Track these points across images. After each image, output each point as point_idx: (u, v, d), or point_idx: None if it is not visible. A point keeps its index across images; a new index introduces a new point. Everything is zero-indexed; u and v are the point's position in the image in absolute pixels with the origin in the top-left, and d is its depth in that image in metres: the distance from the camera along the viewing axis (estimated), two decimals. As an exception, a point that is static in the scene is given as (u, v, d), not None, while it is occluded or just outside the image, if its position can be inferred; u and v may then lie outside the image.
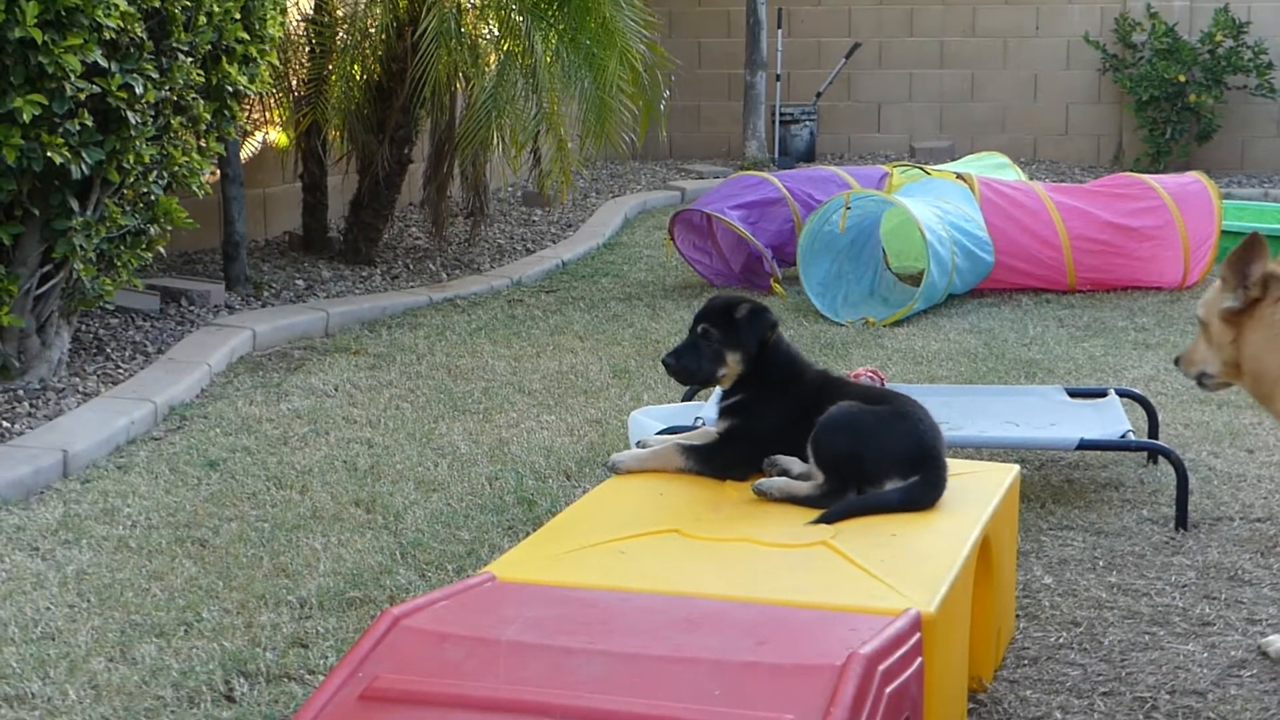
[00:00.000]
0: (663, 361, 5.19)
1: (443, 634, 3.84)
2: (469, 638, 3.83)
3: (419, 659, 3.76)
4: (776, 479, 4.85)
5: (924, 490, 4.81)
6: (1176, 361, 5.31)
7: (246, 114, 10.71)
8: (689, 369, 5.15)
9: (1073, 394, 7.53)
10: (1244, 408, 8.14)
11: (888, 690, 3.62)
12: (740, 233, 11.60)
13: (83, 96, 7.27)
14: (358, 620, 5.28)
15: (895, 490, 4.78)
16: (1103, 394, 7.46)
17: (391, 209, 12.33)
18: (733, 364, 5.07)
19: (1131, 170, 14.71)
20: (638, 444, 5.43)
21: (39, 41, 6.92)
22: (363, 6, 11.67)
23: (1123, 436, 6.79)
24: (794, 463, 4.92)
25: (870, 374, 7.56)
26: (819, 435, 4.85)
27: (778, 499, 4.80)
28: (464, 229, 13.08)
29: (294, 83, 11.60)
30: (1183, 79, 18.03)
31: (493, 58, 11.71)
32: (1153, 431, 7.34)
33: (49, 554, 5.96)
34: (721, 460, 5.08)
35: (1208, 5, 18.51)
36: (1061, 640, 5.28)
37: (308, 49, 11.61)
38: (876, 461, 4.80)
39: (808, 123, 19.09)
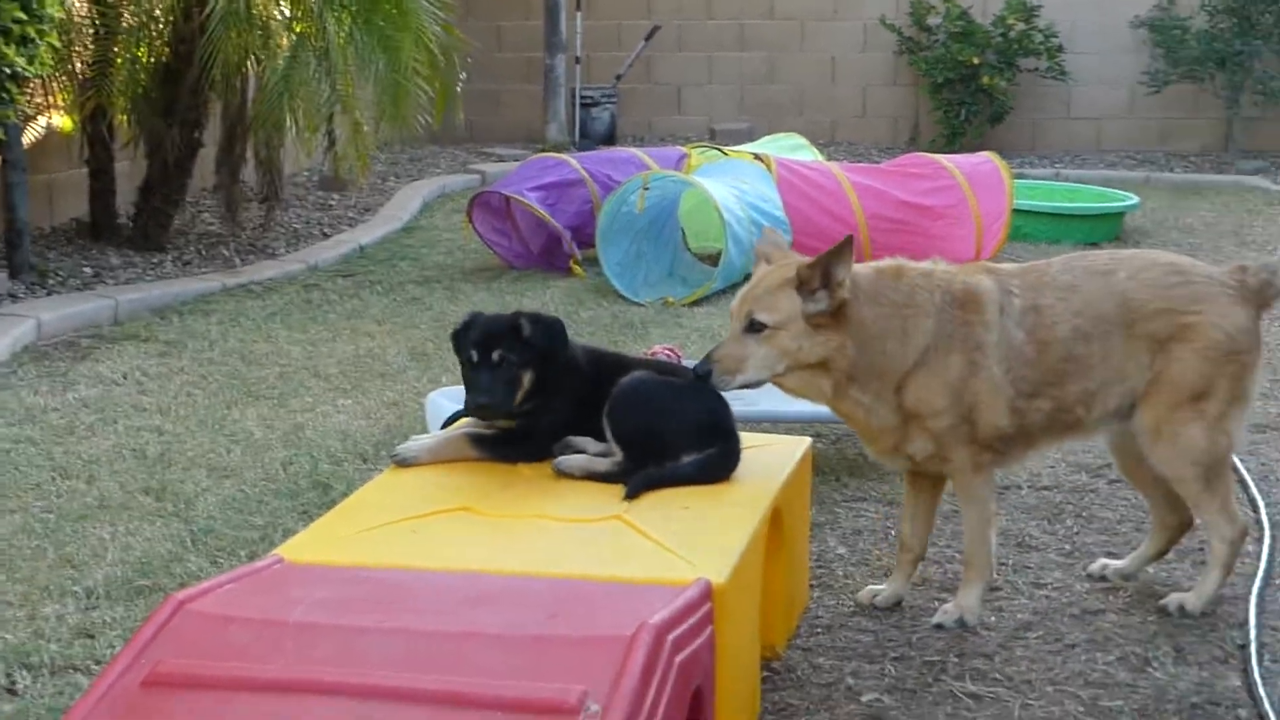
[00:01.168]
0: (477, 405, 4.96)
1: (228, 617, 3.80)
2: (256, 620, 3.79)
3: (204, 643, 3.71)
4: (576, 458, 4.85)
5: (720, 461, 4.87)
6: (705, 374, 4.88)
7: (28, 97, 10.45)
8: (503, 403, 4.93)
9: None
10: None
11: (678, 659, 3.65)
12: (539, 214, 11.60)
13: None
14: (146, 609, 5.19)
15: (692, 462, 4.82)
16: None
17: (183, 194, 12.14)
18: (527, 383, 4.92)
19: (927, 151, 14.92)
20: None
21: None
22: (149, -15, 11.45)
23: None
24: (588, 442, 4.93)
25: (668, 352, 7.60)
26: (615, 409, 4.89)
27: (579, 477, 4.81)
28: (258, 214, 12.90)
29: (78, 65, 11.32)
30: (976, 61, 18.37)
31: (284, 39, 11.56)
32: (945, 404, 7.46)
33: None
34: (515, 451, 4.99)
35: (999, -11, 18.90)
36: (854, 608, 5.37)
37: (92, 30, 11.34)
38: (674, 433, 4.84)
39: (608, 105, 19.10)
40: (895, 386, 5.00)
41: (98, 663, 4.78)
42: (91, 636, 5.01)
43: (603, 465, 4.82)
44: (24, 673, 4.75)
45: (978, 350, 5.03)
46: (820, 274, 4.81)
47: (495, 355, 4.89)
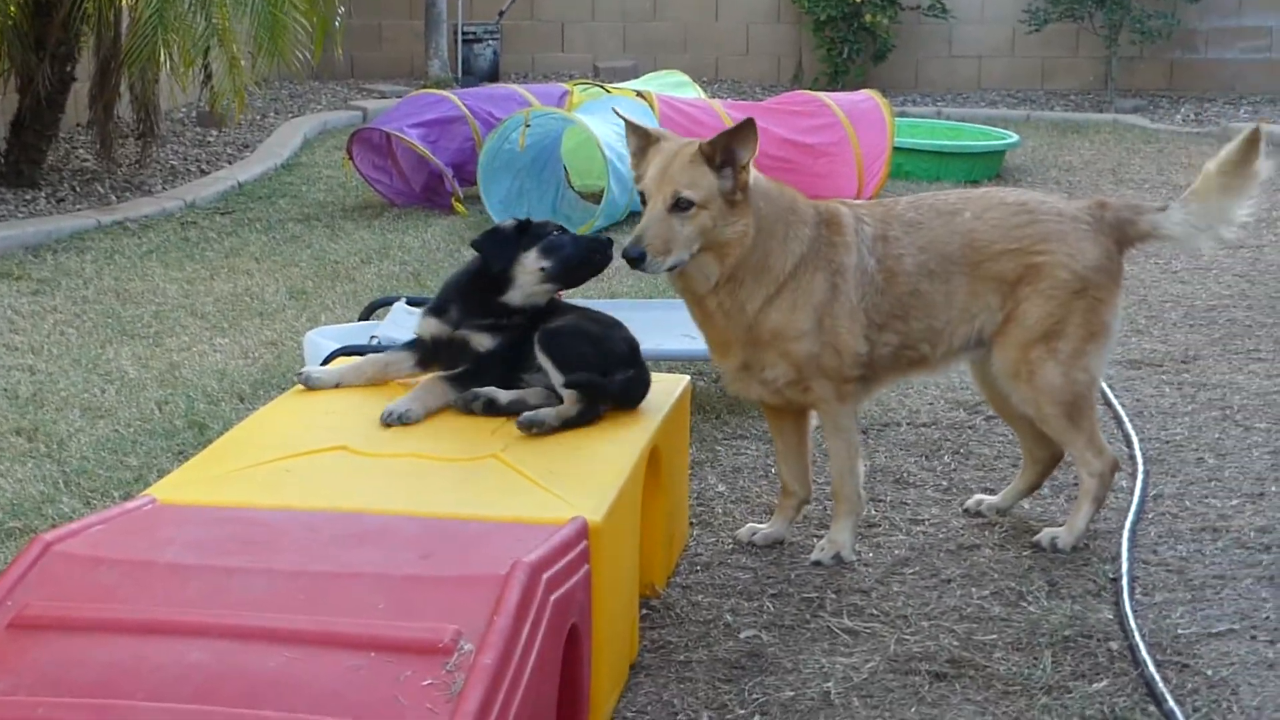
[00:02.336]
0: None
1: (97, 558, 3.75)
2: (125, 560, 3.74)
3: (72, 584, 3.66)
4: (548, 410, 4.74)
5: (640, 382, 4.98)
6: (639, 256, 4.77)
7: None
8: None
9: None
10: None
11: (553, 598, 3.65)
12: (420, 151, 11.52)
13: None
14: (17, 551, 5.11)
15: (622, 379, 4.89)
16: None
17: (56, 129, 11.93)
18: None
19: (810, 89, 14.94)
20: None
21: None
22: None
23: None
24: (498, 393, 4.87)
25: (548, 290, 7.58)
26: (561, 343, 4.89)
27: (556, 426, 4.70)
28: (134, 150, 12.70)
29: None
30: (859, 0, 18.39)
31: (159, -29, 11.36)
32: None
33: None
34: (487, 381, 4.88)
35: (883, -74, 18.90)
36: (733, 545, 5.40)
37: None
38: (609, 356, 4.88)
39: (491, 42, 18.95)
40: (762, 301, 5.00)
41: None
42: (-41, 580, 4.93)
43: (573, 410, 4.77)
44: (-110, 617, 4.67)
45: (839, 274, 5.08)
46: (722, 152, 4.82)
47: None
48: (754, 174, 4.96)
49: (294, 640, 3.40)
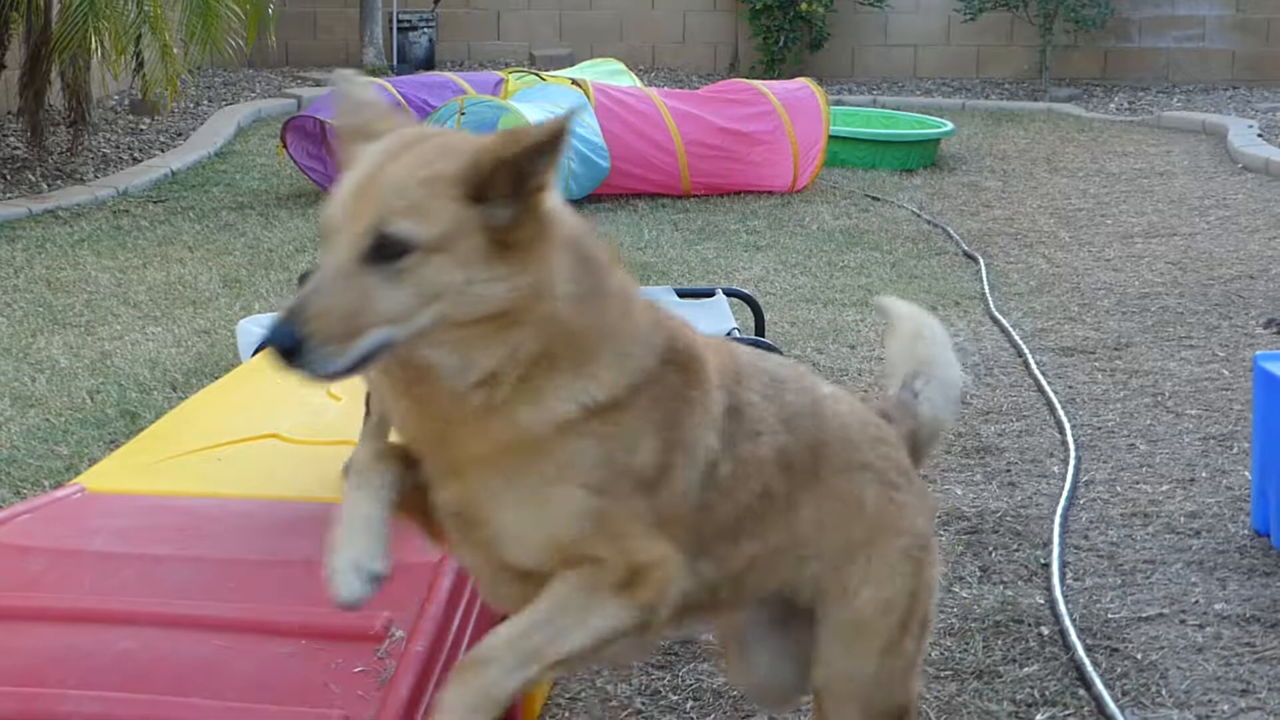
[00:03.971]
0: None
1: (25, 547, 3.74)
2: (53, 549, 3.73)
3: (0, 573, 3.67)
4: None
5: None
6: (289, 349, 2.59)
7: None
8: None
9: (681, 295, 7.64)
10: (848, 305, 8.44)
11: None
12: (354, 139, 11.45)
13: None
14: (-55, 541, 5.09)
15: None
16: (710, 294, 7.60)
17: (-15, 117, 11.85)
18: None
19: (746, 78, 14.96)
20: None
21: None
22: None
23: (728, 334, 6.94)
24: None
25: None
26: None
27: None
28: (65, 138, 12.60)
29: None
30: (796, -12, 18.45)
31: (90, -42, 11.28)
32: (759, 329, 7.50)
33: None
34: None
35: (819, -85, 18.95)
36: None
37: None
38: None
39: (426, 30, 18.90)
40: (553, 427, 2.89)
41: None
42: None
43: None
44: None
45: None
46: (501, 165, 2.67)
47: None
48: (556, 203, 2.83)
49: (225, 628, 3.40)
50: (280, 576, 3.59)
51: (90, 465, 5.67)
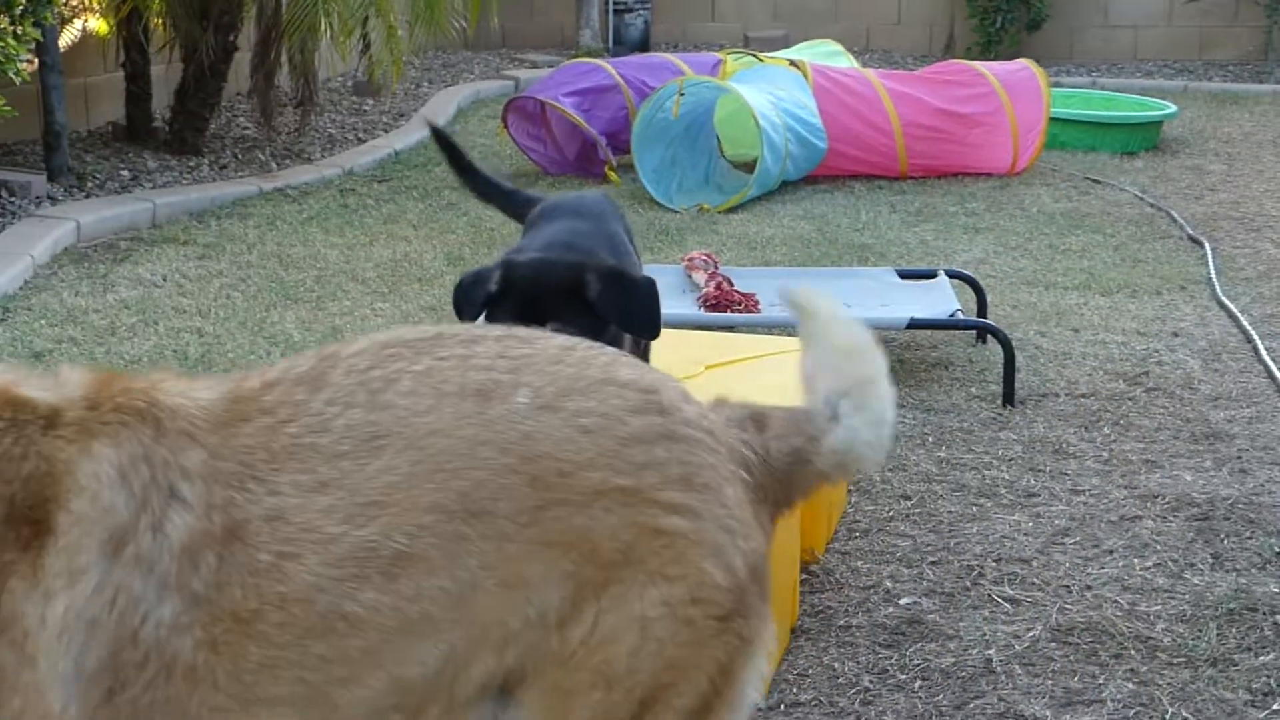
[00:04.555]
0: None
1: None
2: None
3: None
4: None
5: None
6: None
7: (64, 0, 10.43)
8: None
9: (903, 275, 7.64)
10: (1070, 288, 8.34)
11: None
12: (574, 120, 11.56)
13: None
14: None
15: None
16: (932, 275, 7.58)
17: (218, 98, 12.09)
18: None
19: (962, 59, 14.78)
20: None
21: None
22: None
23: (952, 315, 6.91)
24: None
25: (704, 258, 7.61)
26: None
27: None
28: (293, 118, 12.84)
29: (114, -32, 11.31)
30: (1013, -33, 18.20)
31: (320, -58, 11.50)
32: (981, 311, 7.47)
33: None
34: None
35: (1037, -105, 18.67)
36: (892, 513, 5.40)
37: (128, -68, 11.31)
38: None
39: (641, 11, 18.93)
40: None
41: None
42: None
43: None
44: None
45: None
46: None
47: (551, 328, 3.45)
48: None
49: None
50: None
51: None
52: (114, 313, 7.74)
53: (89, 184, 10.46)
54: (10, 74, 8.32)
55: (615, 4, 18.75)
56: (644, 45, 18.62)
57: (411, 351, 2.53)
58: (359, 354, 2.54)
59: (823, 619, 4.64)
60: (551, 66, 15.20)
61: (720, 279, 7.25)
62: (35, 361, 6.89)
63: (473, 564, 2.40)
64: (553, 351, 2.60)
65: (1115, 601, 4.74)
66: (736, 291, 7.14)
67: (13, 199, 9.73)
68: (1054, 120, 12.26)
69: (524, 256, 4.20)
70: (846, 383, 2.81)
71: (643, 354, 4.57)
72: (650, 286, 4.18)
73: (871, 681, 4.29)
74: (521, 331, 2.67)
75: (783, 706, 4.17)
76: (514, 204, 5.35)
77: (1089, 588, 4.84)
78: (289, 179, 11.26)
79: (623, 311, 4.06)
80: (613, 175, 11.44)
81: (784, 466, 2.76)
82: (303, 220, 10.03)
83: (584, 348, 2.65)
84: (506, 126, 11.92)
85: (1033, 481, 5.67)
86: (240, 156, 11.93)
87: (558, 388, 2.52)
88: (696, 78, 11.33)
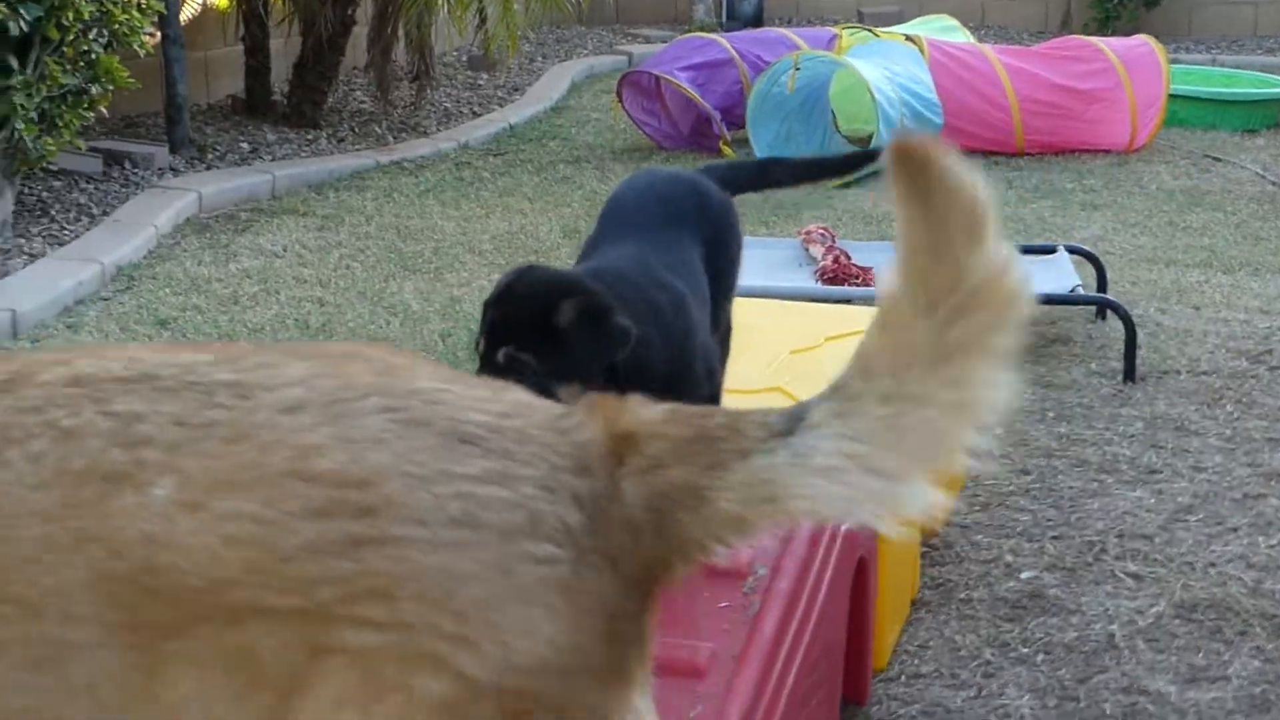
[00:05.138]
0: None
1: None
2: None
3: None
4: None
5: None
6: None
7: (188, -27, 10.54)
8: None
9: (1023, 250, 7.55)
10: (1191, 266, 8.24)
11: (843, 528, 3.67)
12: (689, 94, 11.55)
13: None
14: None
15: None
16: (1051, 250, 7.51)
17: (335, 72, 12.19)
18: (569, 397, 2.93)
19: (1080, 35, 14.60)
20: None
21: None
22: None
23: (1072, 291, 6.85)
24: None
25: (822, 231, 7.58)
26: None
27: None
28: (409, 93, 12.92)
29: (235, -58, 11.42)
30: (1131, -56, 17.98)
31: (437, -83, 11.55)
32: (1101, 287, 7.40)
33: None
34: None
35: None
36: (1012, 488, 5.36)
37: (249, -93, 11.41)
38: None
39: (755, -13, 18.88)
40: None
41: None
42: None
43: None
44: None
45: None
46: None
47: (503, 355, 3.41)
48: None
49: None
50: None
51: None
52: (236, 282, 7.82)
53: (210, 156, 10.58)
54: (134, 46, 8.41)
55: (730, -21, 18.67)
56: (757, 20, 18.51)
57: (91, 401, 2.08)
58: (46, 384, 2.11)
59: (943, 591, 4.62)
60: (665, 41, 15.17)
61: (838, 252, 7.22)
62: (160, 329, 6.98)
63: (68, 675, 1.99)
64: (253, 421, 2.06)
65: (1240, 579, 4.68)
66: (854, 265, 7.11)
67: (136, 170, 9.86)
68: (1173, 97, 12.09)
69: (522, 267, 3.74)
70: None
71: (724, 338, 4.18)
72: (624, 335, 3.42)
73: (993, 654, 4.26)
74: (253, 378, 2.11)
75: (904, 678, 4.16)
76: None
77: (1213, 565, 4.78)
78: (405, 152, 11.32)
79: (583, 357, 3.39)
80: (727, 150, 11.41)
81: (645, 514, 2.08)
82: (419, 193, 10.09)
83: (312, 415, 2.06)
84: (621, 101, 11.92)
85: (1154, 458, 5.61)
86: (357, 130, 12.01)
87: (213, 479, 2.00)
88: (811, 52, 11.29)
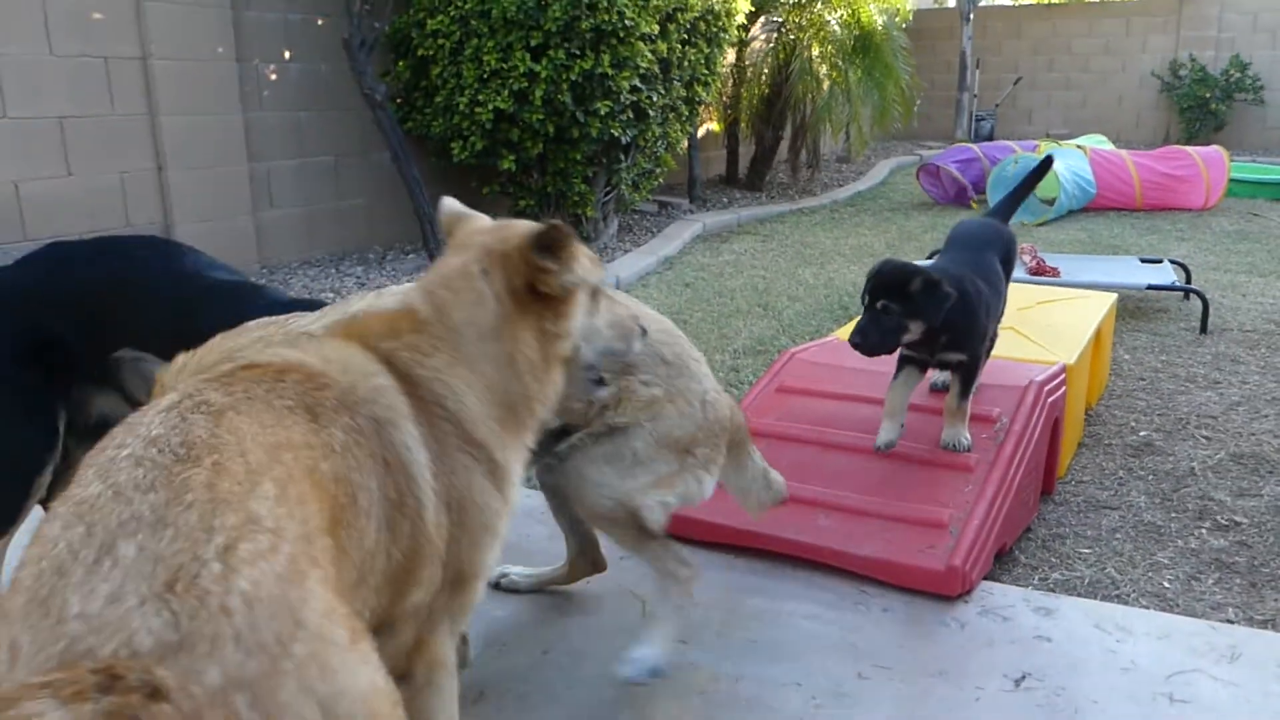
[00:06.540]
0: (850, 343, 3.04)
1: (815, 362, 3.85)
2: (826, 364, 3.82)
3: (802, 373, 3.76)
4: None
5: None
6: None
7: (700, 115, 10.57)
8: (873, 344, 3.03)
9: (1142, 260, 6.95)
10: (1239, 272, 7.40)
11: (1048, 401, 3.48)
12: (955, 176, 11.01)
13: (628, 102, 7.32)
14: (765, 360, 5.29)
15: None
16: (1159, 261, 6.87)
17: (770, 163, 12.08)
18: (915, 331, 3.07)
19: (1176, 144, 13.23)
20: None
21: (608, 74, 6.99)
22: (760, 56, 11.36)
23: (1172, 284, 6.25)
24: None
25: (1030, 249, 7.11)
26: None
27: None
28: (806, 174, 12.69)
29: (724, 97, 11.43)
30: (1208, 95, 16.14)
31: (825, 83, 11.26)
32: (1188, 281, 6.73)
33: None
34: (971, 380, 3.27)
35: (1225, 54, 16.45)
36: (1134, 387, 4.93)
37: (731, 79, 11.40)
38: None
39: (990, 120, 17.73)
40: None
41: (742, 384, 4.81)
42: (738, 371, 5.11)
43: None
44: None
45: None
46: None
47: (881, 304, 3.08)
48: None
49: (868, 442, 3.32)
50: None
51: (826, 333, 5.74)
52: (721, 265, 7.86)
53: (708, 204, 10.64)
54: (677, 149, 8.51)
55: (976, 116, 17.65)
56: (991, 136, 17.48)
57: None
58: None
59: (1094, 439, 4.29)
60: (941, 148, 14.45)
61: (1039, 259, 6.77)
62: (685, 289, 7.07)
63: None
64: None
65: (1270, 442, 4.19)
66: (1048, 266, 6.66)
67: (673, 210, 10.00)
68: (1232, 180, 10.84)
69: (885, 259, 3.25)
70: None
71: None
72: (946, 297, 3.06)
73: (1123, 474, 3.94)
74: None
75: (1073, 482, 3.90)
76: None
77: (1253, 434, 4.30)
78: (804, 204, 11.11)
79: (924, 309, 3.05)
80: (975, 205, 10.83)
81: None
82: (812, 225, 9.92)
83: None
84: (919, 179, 11.44)
85: (1217, 374, 5.07)
86: (780, 193, 11.88)
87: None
88: (1022, 153, 10.56)
